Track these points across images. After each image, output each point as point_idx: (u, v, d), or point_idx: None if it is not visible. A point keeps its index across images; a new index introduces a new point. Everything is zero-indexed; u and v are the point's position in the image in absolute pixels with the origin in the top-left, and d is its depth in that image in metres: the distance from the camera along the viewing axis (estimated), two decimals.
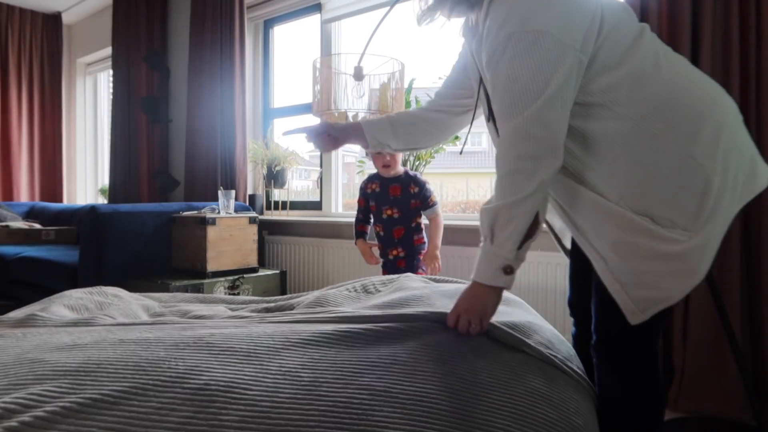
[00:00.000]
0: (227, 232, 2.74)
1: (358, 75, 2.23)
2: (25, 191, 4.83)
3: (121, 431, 0.62)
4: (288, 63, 3.75)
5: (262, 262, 3.31)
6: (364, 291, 1.34)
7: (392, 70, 2.40)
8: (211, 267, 2.65)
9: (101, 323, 1.05)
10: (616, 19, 0.97)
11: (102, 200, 4.96)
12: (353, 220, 2.96)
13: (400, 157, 2.30)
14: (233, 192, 2.89)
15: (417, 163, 2.77)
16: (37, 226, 3.84)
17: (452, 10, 1.09)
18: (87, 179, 5.28)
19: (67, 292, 1.28)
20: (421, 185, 2.29)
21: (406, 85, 2.70)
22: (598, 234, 0.98)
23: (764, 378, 1.75)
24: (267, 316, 1.11)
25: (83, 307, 1.20)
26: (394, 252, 2.31)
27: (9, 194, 4.76)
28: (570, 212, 1.02)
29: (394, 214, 2.30)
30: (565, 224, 1.08)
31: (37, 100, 4.92)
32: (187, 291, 2.53)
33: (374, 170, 2.46)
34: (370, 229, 2.45)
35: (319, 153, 3.42)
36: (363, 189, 2.43)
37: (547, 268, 2.27)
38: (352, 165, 3.71)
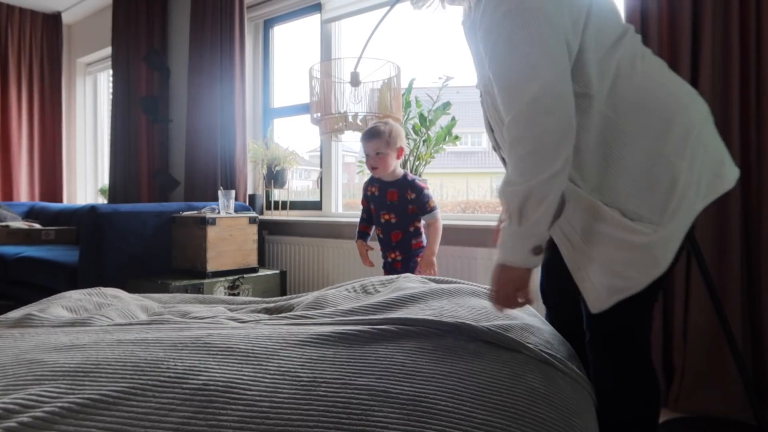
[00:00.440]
0: (227, 232, 2.74)
1: (355, 81, 2.24)
2: (24, 191, 4.83)
3: None
4: (288, 63, 3.75)
5: (262, 262, 3.31)
6: (363, 291, 1.34)
7: (388, 75, 2.41)
8: (211, 267, 2.65)
9: (99, 324, 1.05)
10: (602, 20, 1.00)
11: (102, 200, 4.96)
12: (353, 220, 2.96)
13: (390, 159, 2.22)
14: (233, 192, 2.89)
15: (417, 163, 2.77)
16: (37, 226, 3.84)
17: None
18: (87, 179, 5.28)
19: (66, 293, 1.28)
20: (418, 191, 2.24)
21: (404, 86, 2.70)
22: (568, 221, 1.01)
23: (764, 378, 1.75)
24: (266, 319, 1.11)
25: (82, 308, 1.20)
26: (392, 255, 2.30)
27: (9, 194, 4.76)
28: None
29: (391, 219, 2.28)
30: None
31: (37, 100, 4.92)
32: (187, 291, 2.53)
33: None
34: (373, 229, 2.45)
35: (319, 153, 3.42)
36: (364, 190, 2.42)
37: None
38: (352, 165, 3.71)
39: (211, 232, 2.66)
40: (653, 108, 0.98)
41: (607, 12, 1.02)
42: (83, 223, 2.68)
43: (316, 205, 3.43)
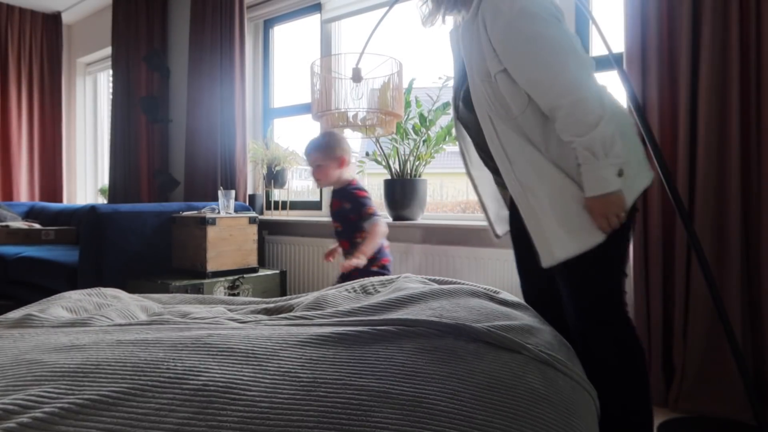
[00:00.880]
0: (227, 232, 2.74)
1: (357, 77, 2.24)
2: (24, 191, 4.83)
3: None
4: (288, 63, 3.75)
5: (262, 262, 3.31)
6: (363, 292, 1.34)
7: (390, 71, 2.40)
8: (211, 267, 2.65)
9: (98, 324, 1.05)
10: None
11: (102, 200, 4.96)
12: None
13: (330, 170, 2.19)
14: (233, 192, 2.89)
15: (417, 163, 2.77)
16: (37, 226, 3.84)
17: (450, 9, 1.35)
18: (87, 179, 5.28)
19: (65, 294, 1.28)
20: (352, 199, 2.18)
21: (405, 85, 2.70)
22: (535, 184, 1.21)
23: (764, 378, 1.75)
24: (265, 319, 1.11)
25: (81, 308, 1.20)
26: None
27: (9, 194, 4.76)
28: (514, 166, 1.24)
29: (338, 228, 2.24)
30: (507, 184, 1.28)
31: (36, 100, 4.92)
32: (187, 291, 2.53)
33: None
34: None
35: None
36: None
37: None
38: (352, 165, 3.70)
39: (211, 232, 2.66)
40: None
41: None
42: (83, 223, 2.68)
43: (316, 205, 3.43)
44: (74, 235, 3.75)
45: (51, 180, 4.98)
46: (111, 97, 4.39)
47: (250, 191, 3.62)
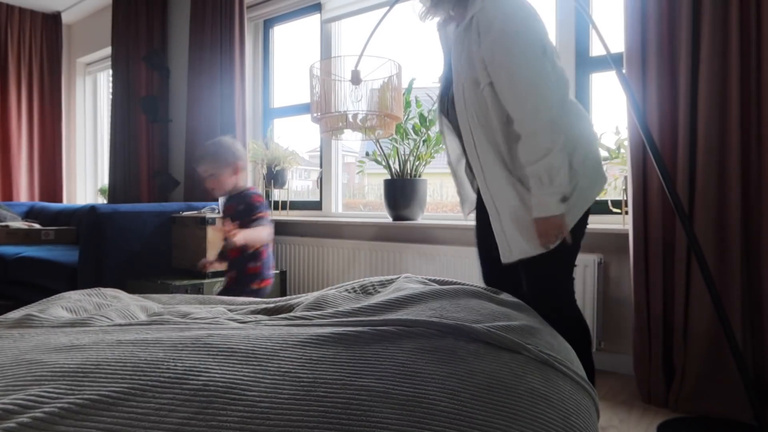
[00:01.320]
0: None
1: (356, 79, 2.23)
2: (24, 191, 4.83)
3: None
4: (288, 63, 3.75)
5: None
6: (363, 292, 1.34)
7: (390, 73, 2.40)
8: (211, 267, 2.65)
9: (98, 324, 1.05)
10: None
11: (102, 200, 4.96)
12: (353, 219, 2.96)
13: (224, 178, 2.13)
14: None
15: (417, 163, 2.77)
16: (37, 226, 3.84)
17: (453, 7, 1.45)
18: (87, 179, 5.28)
19: (65, 294, 1.28)
20: (248, 202, 2.13)
21: (405, 86, 2.70)
22: (500, 195, 1.40)
23: (765, 378, 1.75)
24: (265, 319, 1.11)
25: (81, 308, 1.20)
26: (230, 274, 2.16)
27: (8, 194, 4.76)
28: (486, 174, 1.42)
29: None
30: (479, 185, 1.45)
31: (36, 99, 4.92)
32: (187, 291, 2.53)
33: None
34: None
35: (319, 153, 3.42)
36: None
37: None
38: (352, 165, 3.71)
39: (211, 232, 2.66)
40: (567, 132, 1.37)
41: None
42: (83, 223, 2.68)
43: (316, 205, 3.43)
44: (74, 235, 3.75)
45: (51, 180, 4.98)
46: (111, 97, 4.39)
47: None
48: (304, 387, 0.73)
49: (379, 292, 1.34)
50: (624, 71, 1.93)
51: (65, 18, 5.08)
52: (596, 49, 2.38)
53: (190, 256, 2.73)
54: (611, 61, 1.68)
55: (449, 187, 3.51)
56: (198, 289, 2.56)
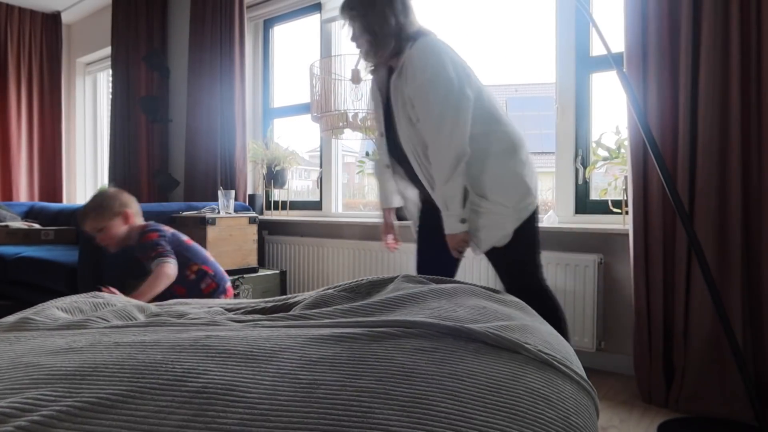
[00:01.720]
0: (227, 232, 2.74)
1: (356, 78, 2.23)
2: (24, 191, 4.83)
3: None
4: (288, 63, 3.75)
5: (262, 262, 3.31)
6: (361, 291, 1.33)
7: None
8: None
9: (95, 326, 1.05)
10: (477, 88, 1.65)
11: None
12: (353, 219, 2.96)
13: (116, 230, 2.04)
14: (233, 192, 2.89)
15: None
16: (37, 226, 3.84)
17: (392, 55, 1.69)
18: (86, 179, 5.28)
19: (61, 298, 1.28)
20: (141, 240, 2.05)
21: None
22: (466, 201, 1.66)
23: (765, 378, 1.74)
24: (264, 320, 1.10)
25: (77, 309, 1.20)
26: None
27: (8, 194, 4.76)
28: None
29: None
30: (433, 197, 1.70)
31: (36, 99, 4.92)
32: None
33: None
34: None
35: (319, 153, 3.42)
36: None
37: (566, 270, 2.27)
38: (352, 165, 3.70)
39: (211, 232, 2.66)
40: (515, 149, 1.64)
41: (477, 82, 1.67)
42: None
43: (316, 205, 3.43)
44: (74, 235, 3.75)
45: (50, 180, 4.98)
46: (111, 96, 4.39)
47: (250, 191, 3.62)
48: (303, 388, 0.73)
49: (377, 291, 1.34)
50: (624, 71, 1.93)
51: (65, 18, 5.08)
52: (596, 49, 2.38)
53: None
54: (612, 61, 1.68)
55: None
56: None
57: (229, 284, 2.19)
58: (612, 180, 2.25)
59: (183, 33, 4.01)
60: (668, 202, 1.87)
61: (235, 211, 2.90)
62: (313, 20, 3.45)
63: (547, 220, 2.38)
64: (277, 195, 3.53)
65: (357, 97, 2.49)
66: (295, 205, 3.53)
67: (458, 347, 0.92)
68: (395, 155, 1.83)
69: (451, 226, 1.63)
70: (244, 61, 3.48)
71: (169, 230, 2.13)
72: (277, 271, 2.95)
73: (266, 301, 1.34)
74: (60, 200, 4.98)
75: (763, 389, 1.75)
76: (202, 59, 3.63)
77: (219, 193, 2.83)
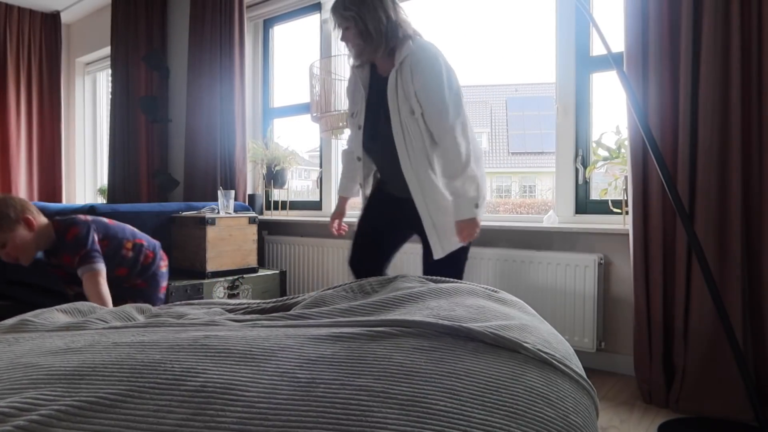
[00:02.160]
0: (227, 232, 2.74)
1: None
2: (23, 191, 4.83)
3: None
4: (288, 63, 3.75)
5: (262, 262, 3.31)
6: (360, 291, 1.34)
7: None
8: (210, 267, 2.65)
9: (94, 327, 1.05)
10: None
11: (101, 200, 4.96)
12: (353, 219, 2.96)
13: (22, 239, 1.80)
14: (233, 192, 2.89)
15: None
16: None
17: (385, 53, 1.78)
18: (86, 179, 5.28)
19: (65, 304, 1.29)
20: (73, 245, 1.84)
21: None
22: (431, 200, 1.77)
23: (765, 378, 1.74)
24: (263, 319, 1.10)
25: (76, 310, 1.20)
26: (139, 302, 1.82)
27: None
28: (422, 185, 1.77)
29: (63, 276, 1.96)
30: (412, 195, 1.79)
31: (35, 99, 4.92)
32: (186, 291, 2.53)
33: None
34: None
35: (318, 153, 3.42)
36: None
37: (566, 270, 2.27)
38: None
39: (211, 232, 2.66)
40: (474, 149, 1.79)
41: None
42: None
43: (316, 205, 3.42)
44: None
45: (50, 180, 4.98)
46: (110, 96, 4.38)
47: (249, 191, 3.62)
48: (302, 387, 0.73)
49: (376, 291, 1.34)
50: (624, 71, 1.93)
51: (64, 17, 5.08)
52: (597, 49, 2.37)
53: (189, 256, 2.73)
54: (612, 60, 1.67)
55: None
56: (197, 290, 2.56)
57: (160, 248, 2.14)
58: (612, 180, 2.25)
59: (183, 33, 4.01)
60: (668, 202, 1.87)
61: (235, 211, 2.90)
62: (313, 20, 3.45)
63: (547, 220, 2.38)
64: (277, 195, 3.53)
65: None
66: (295, 205, 3.53)
67: (457, 346, 0.92)
68: (371, 148, 1.92)
69: (466, 210, 1.72)
70: (244, 61, 3.48)
71: (87, 218, 1.94)
72: (277, 272, 2.95)
73: (266, 302, 1.34)
74: (59, 200, 4.98)
75: (763, 389, 1.75)
76: (201, 59, 3.63)
77: (219, 193, 2.83)
